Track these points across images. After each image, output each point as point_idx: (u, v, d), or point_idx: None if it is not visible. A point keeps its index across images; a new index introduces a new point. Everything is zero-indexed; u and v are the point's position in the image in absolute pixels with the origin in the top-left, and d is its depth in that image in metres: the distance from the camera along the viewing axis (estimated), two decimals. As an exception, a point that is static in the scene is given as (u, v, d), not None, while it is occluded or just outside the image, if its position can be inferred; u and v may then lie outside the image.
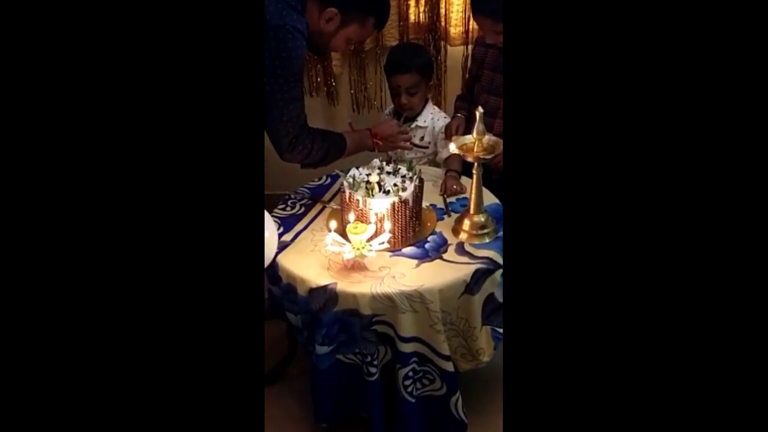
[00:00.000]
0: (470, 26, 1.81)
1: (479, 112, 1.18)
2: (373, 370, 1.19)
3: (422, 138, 1.59)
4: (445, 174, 1.46)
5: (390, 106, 1.66)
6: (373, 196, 1.21)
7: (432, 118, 1.57)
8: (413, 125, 1.58)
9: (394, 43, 1.84)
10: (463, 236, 1.26)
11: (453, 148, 1.23)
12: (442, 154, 1.54)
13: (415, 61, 1.51)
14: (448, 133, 1.47)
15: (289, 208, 1.41)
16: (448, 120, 1.58)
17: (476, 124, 1.19)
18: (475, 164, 1.21)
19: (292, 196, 1.46)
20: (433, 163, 1.61)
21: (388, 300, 1.13)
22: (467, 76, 1.63)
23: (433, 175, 1.51)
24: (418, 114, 1.58)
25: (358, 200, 1.23)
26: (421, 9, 1.82)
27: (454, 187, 1.42)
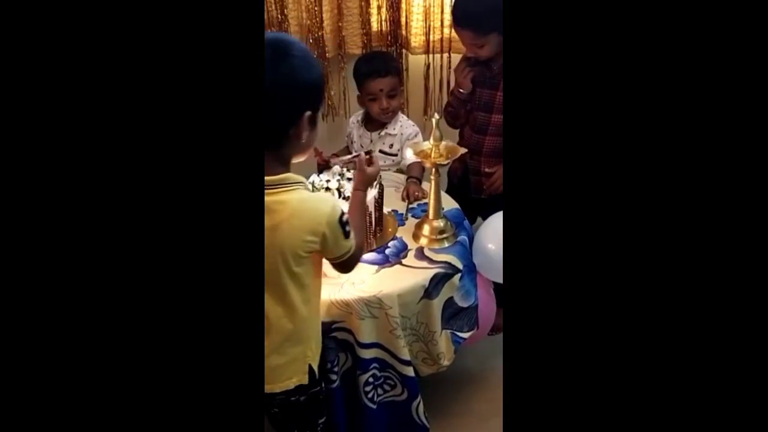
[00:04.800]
0: (431, 36, 1.84)
1: (435, 119, 1.20)
2: (333, 377, 1.19)
3: (391, 145, 1.61)
4: (407, 180, 1.49)
5: (357, 113, 1.67)
6: (332, 202, 1.22)
7: (401, 125, 1.60)
8: (383, 133, 1.60)
9: (357, 51, 1.86)
10: (423, 241, 1.28)
11: (410, 155, 1.24)
12: (405, 162, 1.56)
13: (392, 65, 1.56)
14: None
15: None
16: (415, 128, 1.60)
17: (432, 131, 1.20)
18: (433, 170, 1.23)
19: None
20: (402, 171, 1.63)
21: (347, 306, 1.13)
22: (450, 97, 1.61)
23: (396, 181, 1.53)
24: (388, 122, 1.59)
25: (317, 207, 1.23)
26: (383, 18, 1.84)
27: (417, 193, 1.44)
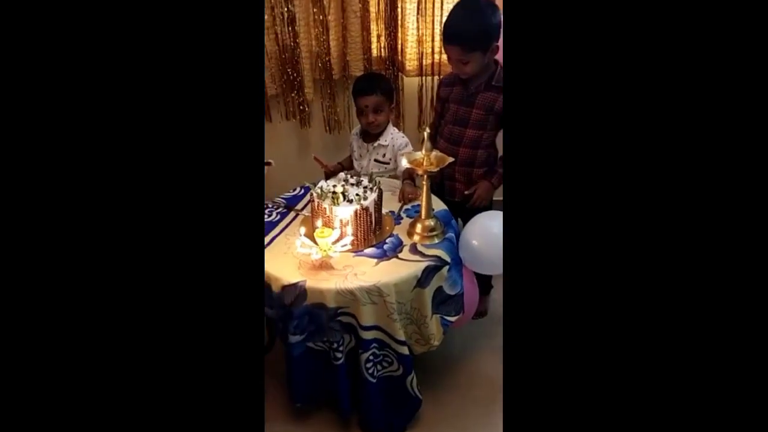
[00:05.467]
0: (423, 60, 2.02)
1: (426, 132, 1.36)
2: (339, 355, 1.31)
3: (384, 155, 1.77)
4: (402, 183, 1.65)
5: (357, 126, 1.85)
6: (338, 204, 1.36)
7: (392, 137, 1.76)
8: (376, 144, 1.76)
9: (359, 73, 2.04)
10: (415, 238, 1.41)
11: (404, 163, 1.39)
12: (400, 168, 1.74)
13: (379, 85, 1.71)
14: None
15: (266, 216, 1.55)
16: (405, 139, 1.76)
17: (424, 143, 1.37)
18: (425, 176, 1.38)
19: (270, 205, 1.60)
20: (395, 176, 1.79)
21: (351, 294, 1.24)
22: (434, 114, 1.79)
23: (392, 186, 1.67)
24: (381, 134, 1.78)
25: (325, 208, 1.37)
26: (382, 45, 2.03)
27: (410, 195, 1.59)
